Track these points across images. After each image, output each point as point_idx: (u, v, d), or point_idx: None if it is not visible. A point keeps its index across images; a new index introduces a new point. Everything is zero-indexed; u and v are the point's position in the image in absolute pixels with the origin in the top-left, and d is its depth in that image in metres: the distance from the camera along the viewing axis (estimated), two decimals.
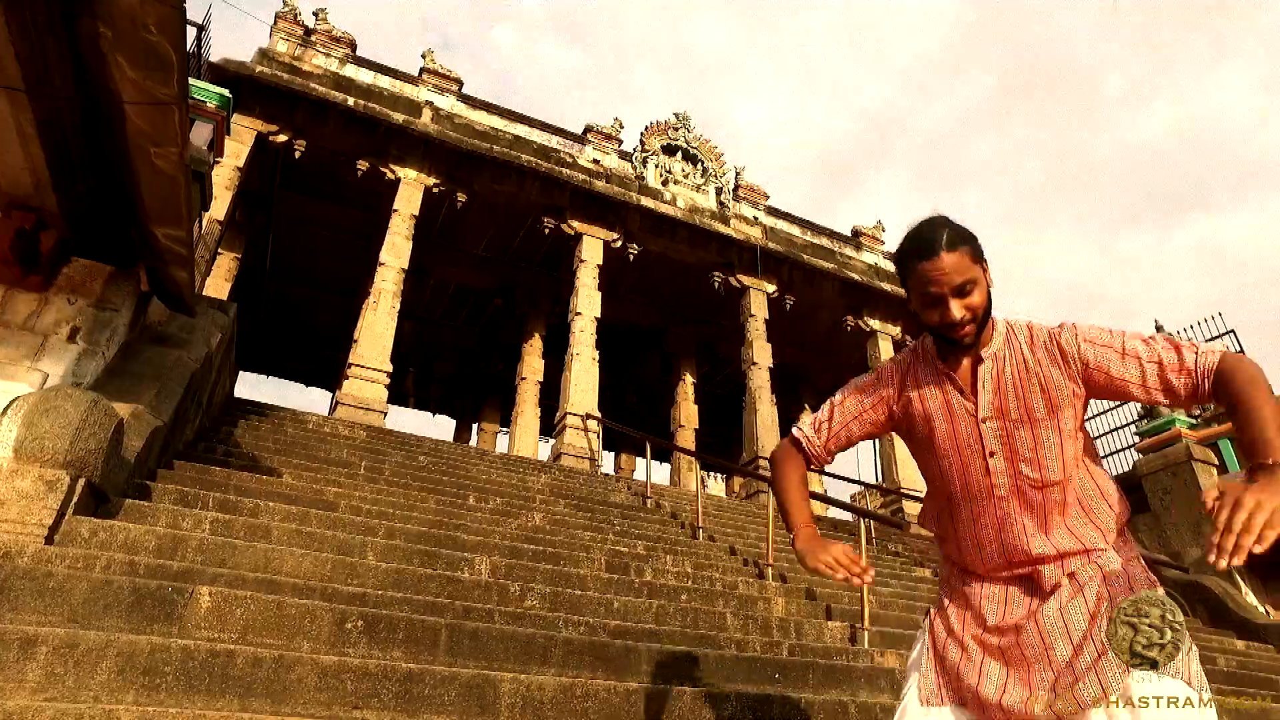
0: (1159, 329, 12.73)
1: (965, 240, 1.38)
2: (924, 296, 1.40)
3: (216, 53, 10.26)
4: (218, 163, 8.11)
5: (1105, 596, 1.36)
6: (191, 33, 8.79)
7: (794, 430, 1.65)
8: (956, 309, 1.37)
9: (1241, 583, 8.95)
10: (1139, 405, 12.02)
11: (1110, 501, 1.44)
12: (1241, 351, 10.95)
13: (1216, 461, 9.96)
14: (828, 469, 14.65)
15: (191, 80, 5.91)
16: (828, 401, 1.64)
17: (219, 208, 9.34)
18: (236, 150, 9.92)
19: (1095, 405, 12.86)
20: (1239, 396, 1.23)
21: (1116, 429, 12.45)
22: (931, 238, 1.38)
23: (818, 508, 11.32)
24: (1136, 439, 11.15)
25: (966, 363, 1.46)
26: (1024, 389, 1.42)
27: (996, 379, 1.43)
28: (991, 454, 1.42)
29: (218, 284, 10.86)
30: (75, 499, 2.74)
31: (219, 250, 10.72)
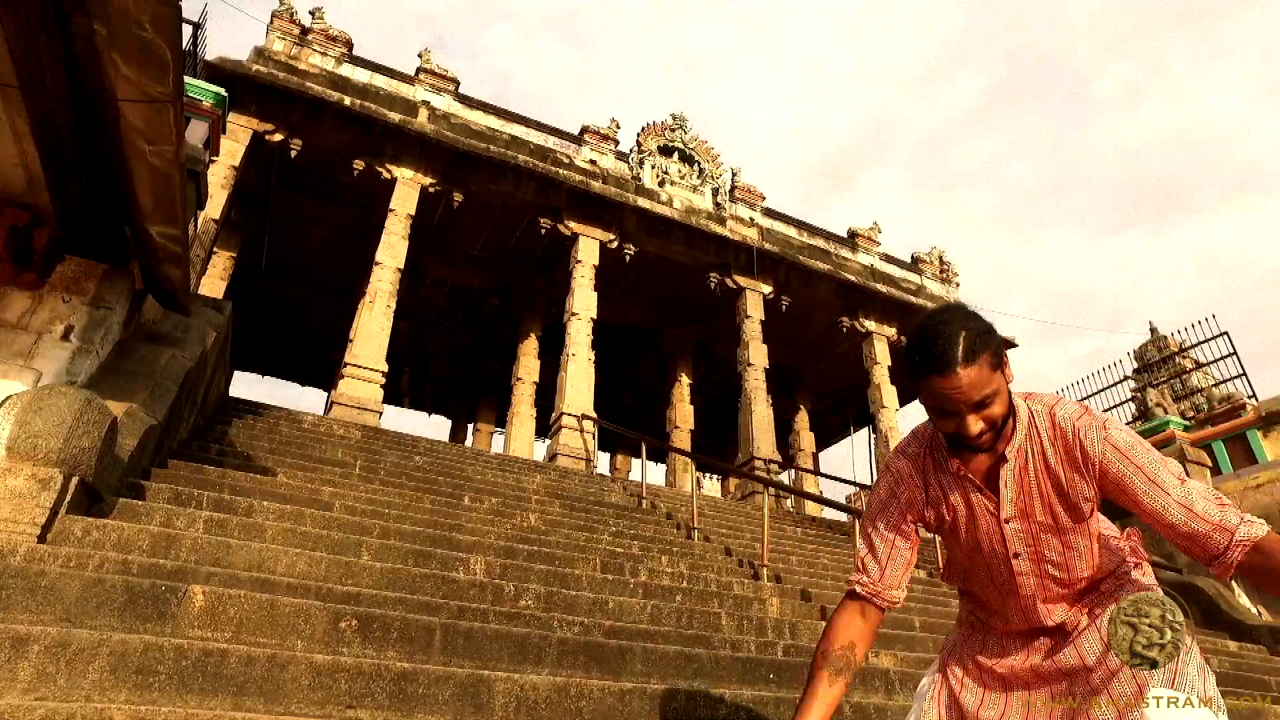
0: (1153, 331, 12.78)
1: (985, 347, 1.23)
2: (937, 410, 1.29)
3: (212, 51, 10.24)
4: (213, 161, 8.09)
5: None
6: (187, 31, 8.77)
7: (849, 586, 1.50)
8: (974, 424, 1.26)
9: (1235, 584, 8.98)
10: (1134, 406, 12.08)
11: (1116, 549, 1.45)
12: (1234, 353, 11.01)
13: (1210, 463, 10.00)
14: (823, 469, 14.70)
15: (187, 78, 5.90)
16: (861, 537, 1.55)
17: (214, 206, 9.32)
18: (232, 149, 9.90)
19: (1092, 405, 12.89)
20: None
21: None
22: (946, 349, 1.22)
23: (812, 508, 11.34)
24: None
25: (985, 459, 1.37)
26: (1048, 494, 1.33)
27: (1019, 479, 1.34)
28: (1016, 555, 1.37)
29: (213, 283, 10.84)
30: (68, 498, 2.73)
31: (214, 249, 10.70)
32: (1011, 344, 15.44)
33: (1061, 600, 1.42)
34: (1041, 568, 1.38)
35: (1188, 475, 1.28)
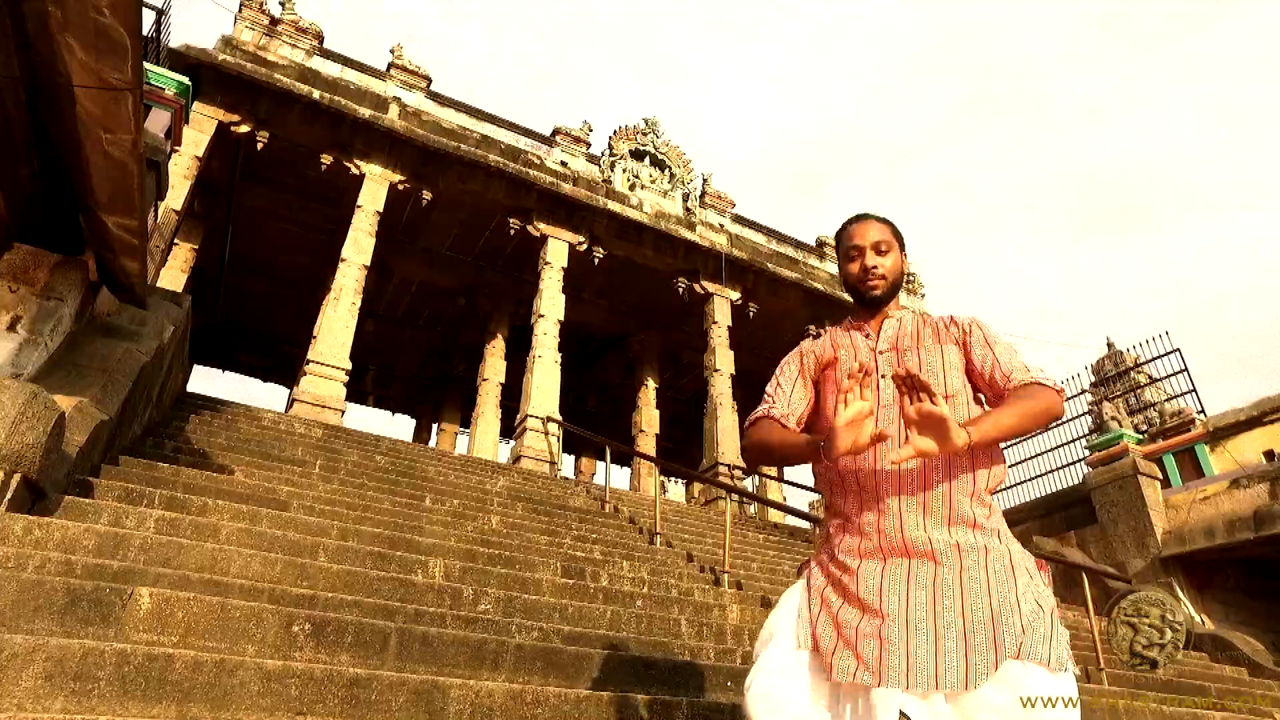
0: (1110, 346, 13.10)
1: (890, 222, 1.73)
2: (848, 252, 1.70)
3: (177, 39, 10.01)
4: (176, 151, 7.91)
5: (989, 584, 1.40)
6: (149, 16, 8.57)
7: (759, 414, 1.72)
8: (871, 258, 1.67)
9: (1181, 594, 9.23)
10: (1090, 419, 12.36)
11: (992, 474, 1.54)
12: (1185, 370, 11.32)
13: (1161, 476, 10.27)
14: (787, 476, 14.77)
15: (150, 66, 5.76)
16: (769, 387, 1.79)
17: (176, 197, 9.11)
18: (196, 139, 9.69)
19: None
20: (1008, 401, 1.49)
21: (1067, 443, 12.77)
22: (864, 212, 1.76)
23: (775, 515, 11.41)
24: (1087, 452, 11.43)
25: (878, 320, 1.70)
26: (919, 333, 1.65)
27: (898, 326, 1.67)
28: (882, 376, 1.58)
29: (173, 275, 10.59)
30: (9, 495, 2.64)
31: (175, 241, 10.46)
32: None
33: (922, 469, 1.47)
34: (901, 387, 1.48)
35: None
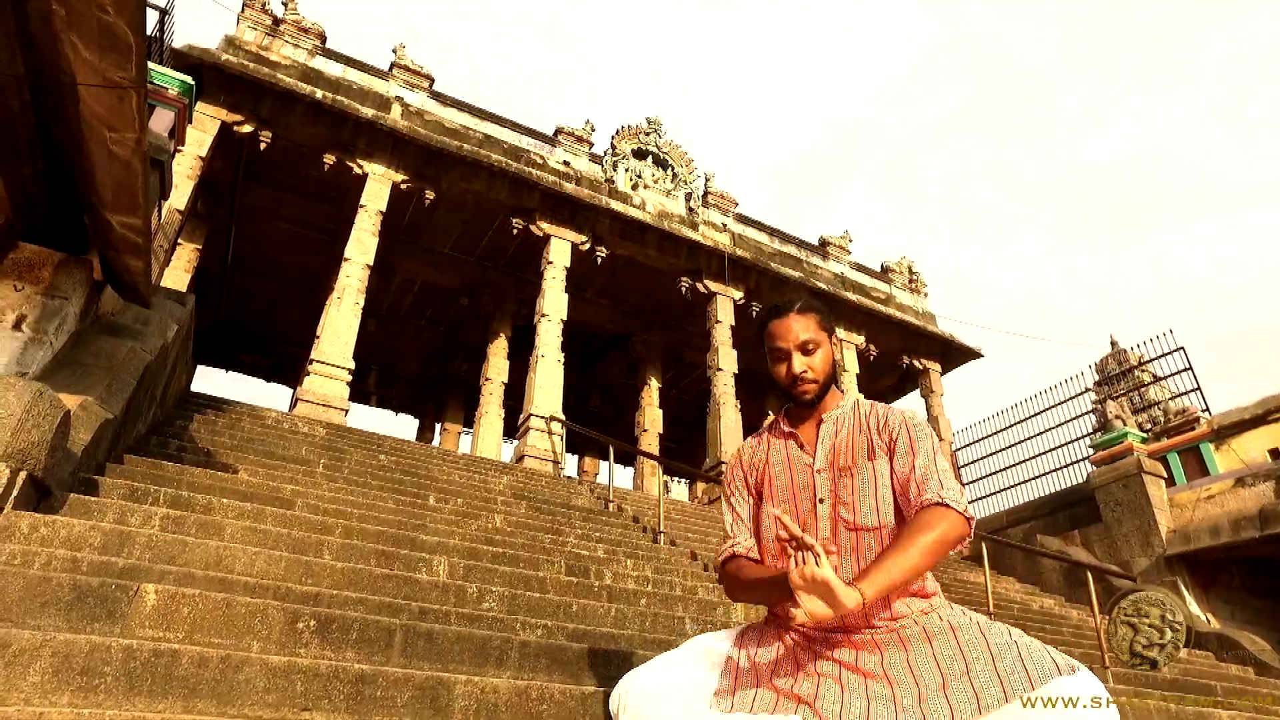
0: (1114, 344, 13.07)
1: (815, 310, 1.63)
2: (773, 352, 1.63)
3: (181, 38, 10.03)
4: (179, 151, 7.92)
5: (956, 652, 1.38)
6: (153, 16, 8.59)
7: (726, 554, 1.69)
8: (799, 363, 1.59)
9: (1185, 593, 9.21)
10: (1094, 417, 12.33)
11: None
12: (1190, 368, 11.28)
13: (1165, 474, 10.25)
14: None
15: (153, 65, 5.77)
16: (727, 507, 1.77)
17: (179, 197, 9.13)
18: (199, 139, 9.71)
19: (1052, 417, 13.15)
20: (904, 533, 1.41)
21: (1071, 441, 12.75)
22: (785, 301, 1.65)
23: None
24: (1091, 451, 11.41)
25: (811, 425, 1.66)
26: (854, 444, 1.59)
27: (834, 436, 1.62)
28: (820, 500, 1.56)
29: (177, 275, 10.60)
30: (15, 493, 2.64)
31: (179, 240, 10.48)
32: (977, 354, 15.70)
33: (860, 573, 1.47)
34: (836, 510, 1.55)
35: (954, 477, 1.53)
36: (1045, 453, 13.04)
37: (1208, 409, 10.98)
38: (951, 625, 1.42)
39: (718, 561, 1.71)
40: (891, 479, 1.54)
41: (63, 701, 1.76)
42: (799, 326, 1.60)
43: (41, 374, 3.84)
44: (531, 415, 10.60)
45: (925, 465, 1.51)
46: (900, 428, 1.57)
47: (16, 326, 3.89)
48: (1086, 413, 12.69)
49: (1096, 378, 12.91)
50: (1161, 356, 11.89)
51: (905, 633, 1.43)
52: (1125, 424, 11.07)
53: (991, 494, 13.61)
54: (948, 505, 1.44)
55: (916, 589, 1.48)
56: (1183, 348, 11.66)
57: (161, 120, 5.88)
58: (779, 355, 1.62)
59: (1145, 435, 10.94)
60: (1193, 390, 11.37)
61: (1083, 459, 12.31)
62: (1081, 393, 12.91)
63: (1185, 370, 11.51)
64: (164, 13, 8.68)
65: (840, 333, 14.55)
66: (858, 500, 1.53)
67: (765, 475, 1.68)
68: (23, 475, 2.68)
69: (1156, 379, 11.99)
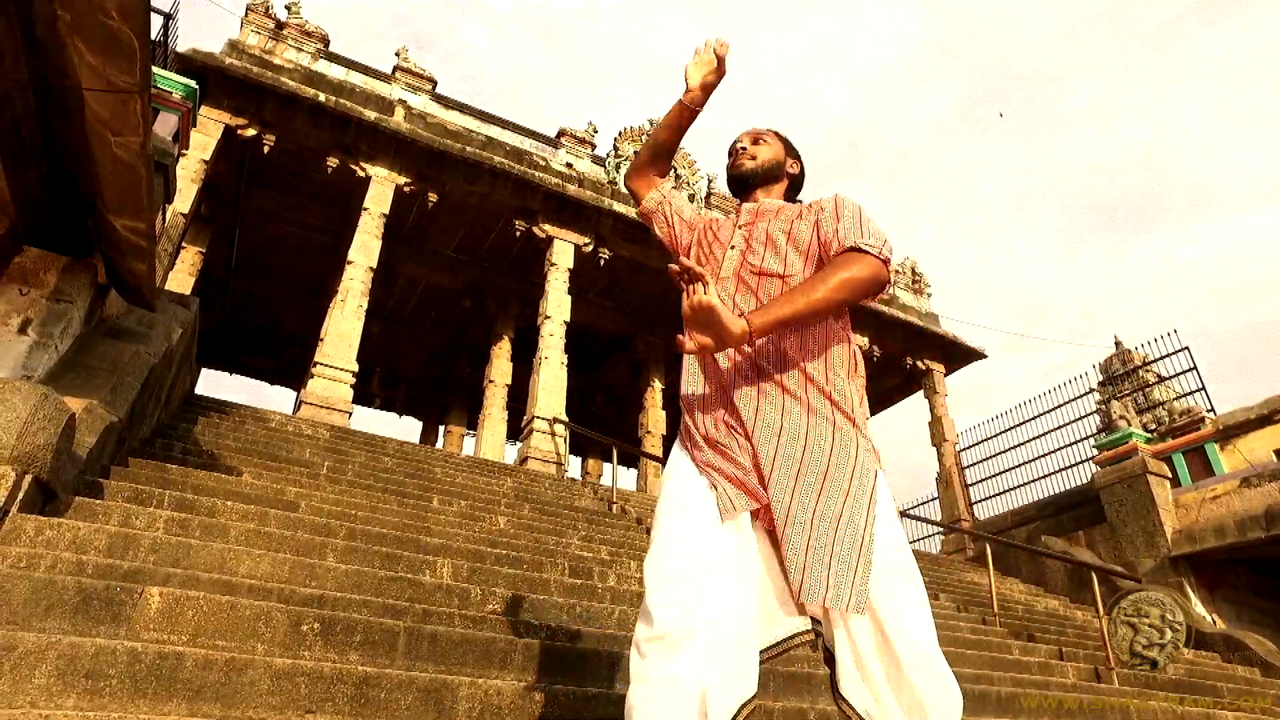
0: (1118, 345, 13.05)
1: (779, 133, 1.78)
2: (732, 150, 1.77)
3: (184, 43, 10.06)
4: (183, 155, 7.94)
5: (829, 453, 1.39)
6: (157, 21, 8.62)
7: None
8: (743, 140, 1.75)
9: (1191, 593, 9.18)
10: (1099, 418, 12.30)
11: (837, 339, 1.51)
12: (1194, 368, 11.25)
13: (1170, 475, 10.22)
14: None
15: (157, 70, 5.78)
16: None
17: (184, 201, 9.15)
18: (203, 143, 9.73)
19: (1056, 417, 13.12)
20: (814, 276, 1.41)
21: (1075, 442, 12.72)
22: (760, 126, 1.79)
23: None
24: (1095, 451, 11.39)
25: (750, 203, 1.72)
26: (780, 210, 1.65)
27: (761, 204, 1.70)
28: (732, 247, 1.62)
29: (181, 278, 10.63)
30: (21, 496, 2.65)
31: (183, 244, 10.50)
32: (981, 355, 15.67)
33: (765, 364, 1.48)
34: (745, 256, 1.57)
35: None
36: (1049, 453, 13.02)
37: (1213, 409, 10.95)
38: (832, 450, 1.38)
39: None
40: (807, 241, 1.55)
41: (68, 704, 1.76)
42: (759, 129, 1.77)
43: (47, 377, 3.86)
44: (535, 417, 10.61)
45: (849, 225, 1.49)
46: (828, 202, 1.58)
47: (22, 330, 3.90)
48: (1090, 413, 12.66)
49: (1100, 378, 12.89)
50: (1166, 356, 11.87)
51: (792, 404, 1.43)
52: (1129, 424, 11.04)
53: (996, 495, 13.59)
54: (862, 250, 1.41)
55: (833, 392, 1.45)
56: (1187, 348, 11.63)
57: (165, 124, 5.90)
58: (731, 149, 1.77)
59: (1150, 436, 10.91)
60: (1197, 390, 11.34)
61: (1087, 460, 12.28)
62: (1085, 393, 12.89)
63: (1190, 370, 11.48)
64: (168, 17, 8.71)
65: None
66: (766, 249, 1.56)
67: (701, 226, 1.76)
68: (28, 478, 2.69)
69: (1161, 379, 11.95)
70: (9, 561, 2.37)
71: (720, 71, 1.70)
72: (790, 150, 1.78)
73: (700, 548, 1.34)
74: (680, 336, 1.32)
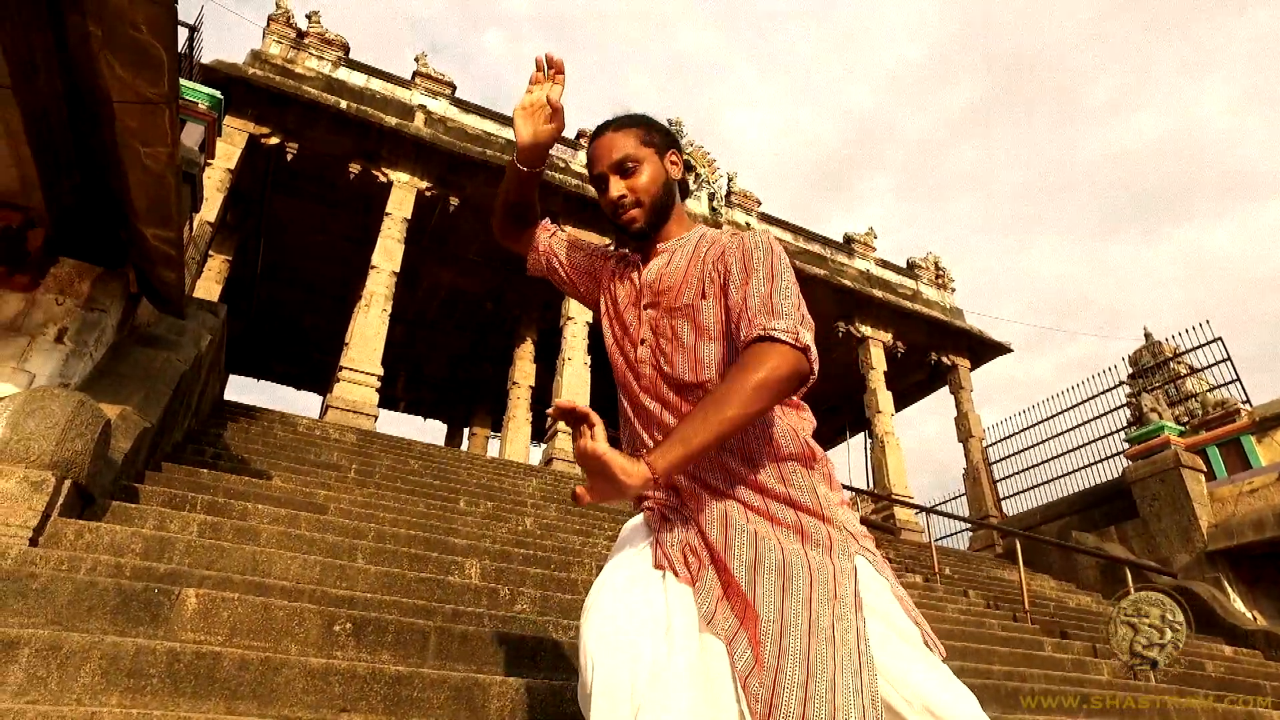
0: (1148, 337, 12.83)
1: (637, 124, 1.37)
2: (594, 182, 1.38)
3: (208, 54, 10.22)
4: (209, 164, 8.07)
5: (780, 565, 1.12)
6: (183, 33, 8.76)
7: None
8: (615, 187, 1.34)
9: (1230, 589, 9.00)
10: (1129, 411, 12.10)
11: (783, 440, 1.24)
12: (1228, 359, 11.02)
13: (1205, 468, 10.03)
14: None
15: (183, 81, 5.88)
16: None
17: (210, 209, 9.30)
18: (228, 152, 9.88)
19: (1085, 411, 12.93)
20: (719, 385, 1.14)
21: (1105, 436, 12.52)
22: (605, 120, 1.39)
23: None
24: (1125, 445, 11.20)
25: (651, 254, 1.40)
26: (686, 278, 1.31)
27: (664, 267, 1.35)
28: (642, 341, 1.34)
29: (208, 286, 10.81)
30: (61, 500, 2.71)
31: (210, 252, 10.67)
32: (1006, 349, 15.48)
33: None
34: (656, 358, 1.30)
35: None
36: (1079, 447, 12.84)
37: (1248, 400, 10.73)
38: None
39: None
40: (724, 324, 1.27)
41: (112, 702, 1.80)
42: (614, 145, 1.34)
43: (82, 385, 3.94)
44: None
45: (757, 301, 1.20)
46: (735, 253, 1.27)
47: (58, 339, 3.99)
48: (1120, 407, 12.47)
49: (1130, 371, 12.67)
50: (1198, 348, 11.65)
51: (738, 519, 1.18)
52: (1161, 417, 10.85)
53: (1024, 490, 13.43)
54: (773, 338, 1.13)
55: (784, 489, 1.21)
56: (1220, 338, 11.41)
57: (192, 134, 6.00)
58: (599, 185, 1.37)
59: (1183, 428, 10.71)
60: (1232, 381, 11.12)
61: (1117, 454, 12.10)
62: (1115, 386, 12.69)
63: (1224, 361, 11.27)
64: (193, 29, 8.86)
65: (867, 330, 14.43)
66: (674, 349, 1.29)
67: (611, 300, 1.44)
68: (68, 483, 2.75)
69: (1193, 370, 11.73)
70: (52, 564, 2.42)
71: (557, 125, 1.38)
72: (661, 144, 1.38)
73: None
74: (578, 489, 1.06)
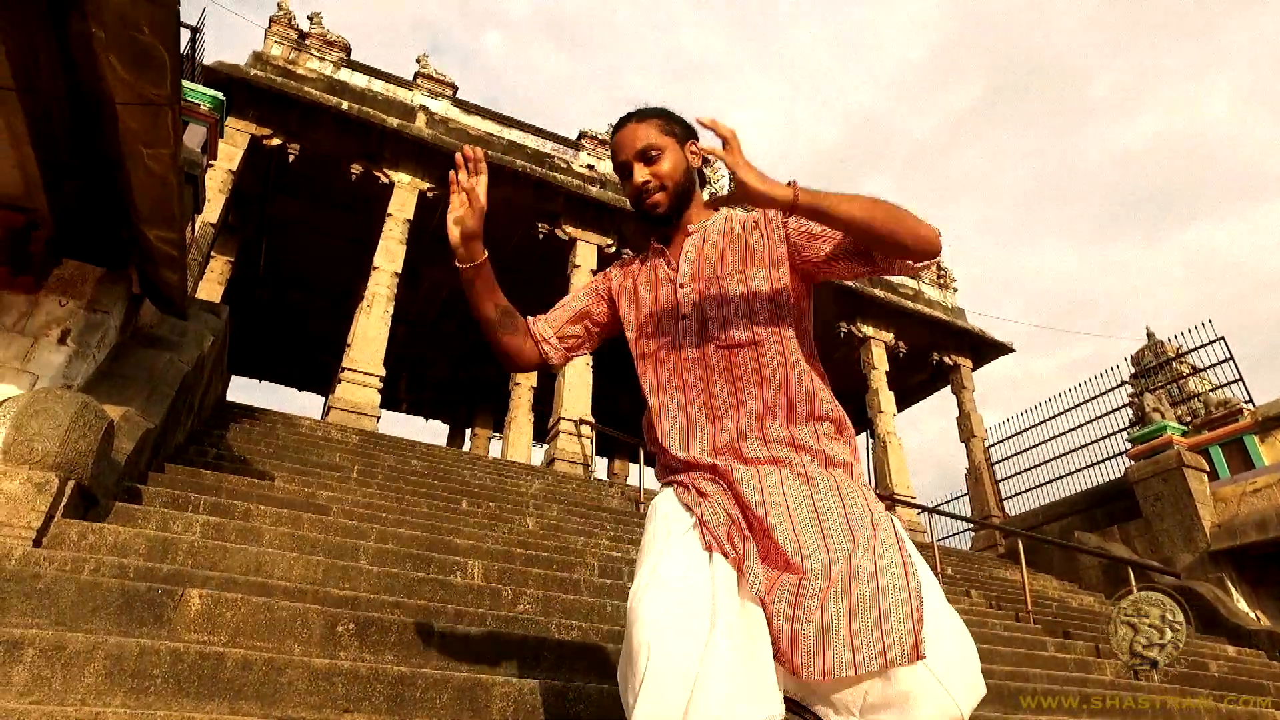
0: (1150, 336, 12.81)
1: (658, 116, 1.44)
2: (619, 170, 1.45)
3: (210, 56, 10.24)
4: (211, 166, 8.09)
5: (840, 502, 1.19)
6: (185, 35, 8.77)
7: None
8: (640, 173, 1.40)
9: (1233, 589, 8.99)
10: (1131, 411, 12.09)
11: (822, 400, 1.32)
12: (1231, 359, 11.00)
13: (1207, 468, 10.01)
14: None
15: (185, 82, 5.89)
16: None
17: (212, 210, 9.31)
18: (230, 153, 9.90)
19: (1087, 411, 12.91)
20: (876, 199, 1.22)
21: (1107, 436, 12.51)
22: (628, 113, 1.46)
23: None
24: (1128, 445, 11.19)
25: (679, 239, 1.46)
26: (724, 253, 1.39)
27: (700, 247, 1.42)
28: (684, 316, 1.39)
29: (210, 287, 10.82)
30: (64, 501, 2.72)
31: (212, 253, 10.68)
32: (1009, 349, 15.47)
33: (733, 397, 1.32)
34: (703, 326, 1.35)
35: None
36: (1081, 447, 12.82)
37: (1251, 400, 10.71)
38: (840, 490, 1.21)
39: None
40: (772, 286, 1.34)
41: (115, 702, 1.80)
42: (637, 134, 1.41)
43: (85, 386, 3.95)
44: (561, 419, 10.65)
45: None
46: (771, 214, 1.39)
47: (61, 340, 4.00)
48: (1122, 406, 12.45)
49: (1132, 371, 12.66)
50: (1201, 347, 11.63)
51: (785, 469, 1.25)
52: (1164, 417, 10.83)
53: (1027, 490, 13.41)
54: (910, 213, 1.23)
55: (824, 440, 1.28)
56: (1223, 338, 11.39)
57: (194, 136, 6.01)
58: (623, 172, 1.43)
59: (1185, 428, 10.69)
60: (1235, 381, 11.10)
61: (1119, 454, 12.08)
62: (1117, 386, 12.67)
63: (1226, 361, 11.25)
64: (195, 31, 8.86)
65: (869, 330, 14.42)
66: (725, 312, 1.34)
67: (629, 293, 1.51)
68: (71, 484, 2.75)
69: (1196, 370, 11.72)
70: (55, 565, 2.43)
71: (478, 209, 1.46)
72: (682, 134, 1.45)
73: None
74: (699, 149, 1.29)
